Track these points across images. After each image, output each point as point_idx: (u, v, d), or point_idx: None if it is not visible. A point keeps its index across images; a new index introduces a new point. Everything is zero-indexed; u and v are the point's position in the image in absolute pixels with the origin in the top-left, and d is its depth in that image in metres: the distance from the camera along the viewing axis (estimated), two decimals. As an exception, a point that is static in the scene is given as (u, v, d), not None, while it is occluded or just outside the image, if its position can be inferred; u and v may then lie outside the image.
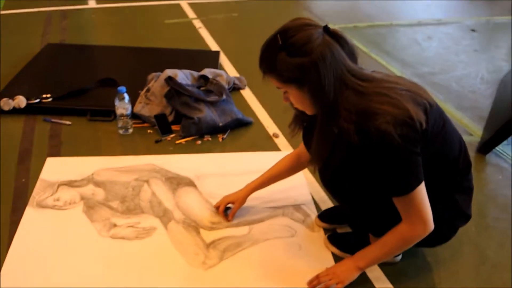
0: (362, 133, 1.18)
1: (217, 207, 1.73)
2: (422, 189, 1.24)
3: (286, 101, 1.33)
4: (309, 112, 1.30)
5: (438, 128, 1.28)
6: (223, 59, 3.03)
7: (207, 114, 2.17)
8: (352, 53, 1.24)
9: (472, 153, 2.25)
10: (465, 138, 2.27)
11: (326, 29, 1.20)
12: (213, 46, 3.31)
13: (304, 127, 1.49)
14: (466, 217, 1.45)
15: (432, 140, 1.26)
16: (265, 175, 1.70)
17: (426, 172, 1.24)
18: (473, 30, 3.98)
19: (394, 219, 1.32)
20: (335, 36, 1.20)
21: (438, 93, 2.83)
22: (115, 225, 1.65)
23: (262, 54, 1.25)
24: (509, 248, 1.69)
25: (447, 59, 3.37)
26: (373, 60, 3.25)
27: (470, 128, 2.49)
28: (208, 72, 2.52)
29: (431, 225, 1.28)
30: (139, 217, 1.70)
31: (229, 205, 1.72)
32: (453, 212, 1.41)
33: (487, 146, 2.28)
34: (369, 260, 1.42)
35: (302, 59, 1.17)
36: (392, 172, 1.22)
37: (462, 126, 2.50)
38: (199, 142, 2.16)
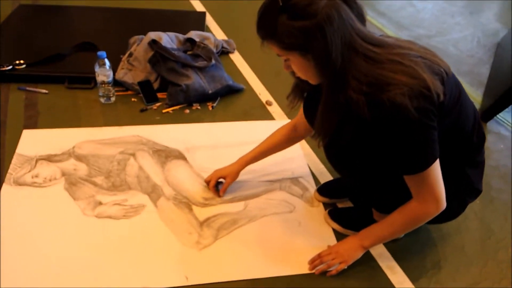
0: (373, 105, 1.07)
1: (207, 182, 1.62)
2: (436, 166, 1.15)
3: (288, 69, 1.19)
4: (313, 81, 1.17)
5: (454, 99, 1.17)
6: (209, 21, 2.85)
7: (195, 80, 2.02)
8: (360, 15, 1.11)
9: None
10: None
11: None
12: (198, 6, 3.11)
13: (306, 97, 1.37)
14: (477, 192, 1.37)
15: (448, 113, 1.15)
16: (259, 148, 1.59)
17: (439, 146, 1.14)
18: (467, -9, 3.84)
19: (402, 194, 1.23)
20: None
21: (435, 57, 2.72)
22: (100, 203, 1.53)
23: (260, 18, 1.10)
24: (514, 221, 1.64)
25: (443, 21, 3.25)
26: (367, 22, 3.10)
27: (470, 95, 2.39)
28: (194, 34, 2.35)
29: (444, 204, 1.20)
30: (126, 193, 1.58)
31: (221, 179, 1.61)
32: (464, 187, 1.32)
33: (487, 113, 2.20)
34: (375, 239, 1.34)
35: (306, 22, 1.03)
36: (407, 149, 1.11)
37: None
38: (187, 111, 2.02)
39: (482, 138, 1.31)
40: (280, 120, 2.02)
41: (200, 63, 2.09)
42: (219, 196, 1.59)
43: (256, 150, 1.59)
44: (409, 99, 1.04)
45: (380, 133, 1.11)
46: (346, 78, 1.08)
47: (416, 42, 1.21)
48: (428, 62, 1.12)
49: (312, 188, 1.67)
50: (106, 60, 1.95)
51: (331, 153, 1.31)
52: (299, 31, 1.04)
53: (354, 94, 1.08)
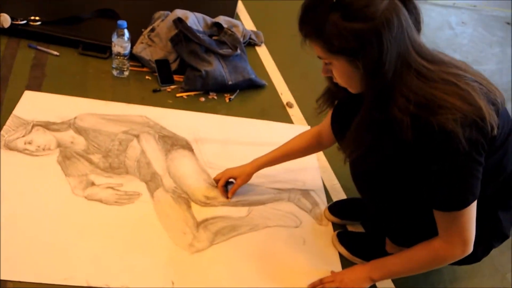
0: (420, 127, 0.93)
1: (216, 180, 1.48)
2: (473, 206, 1.01)
3: (326, 73, 1.05)
4: (354, 90, 1.03)
5: (505, 135, 1.04)
6: (240, 9, 2.70)
7: (216, 68, 1.88)
8: (418, 22, 0.97)
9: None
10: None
11: None
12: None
13: (337, 105, 1.23)
14: (504, 237, 1.24)
15: (496, 150, 1.02)
16: (277, 151, 1.45)
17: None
18: (508, 23, 3.68)
19: (424, 228, 1.11)
20: None
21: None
22: (93, 184, 1.40)
23: (306, 13, 0.96)
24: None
25: (481, 49, 3.09)
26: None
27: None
28: (223, 20, 2.21)
29: (471, 248, 1.07)
30: (123, 178, 1.45)
31: (231, 180, 1.47)
32: (493, 231, 1.20)
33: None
34: (387, 273, 1.21)
35: (362, 24, 0.89)
36: (447, 183, 0.98)
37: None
38: (202, 99, 1.89)
39: None
40: (298, 125, 1.88)
41: (225, 51, 1.95)
42: (227, 197, 1.45)
43: (273, 154, 1.45)
44: (461, 128, 0.90)
45: (420, 159, 0.97)
46: (393, 94, 0.95)
47: (470, 65, 1.07)
48: (484, 89, 0.98)
49: (323, 204, 1.53)
50: (126, 31, 1.81)
51: (358, 171, 1.17)
52: (353, 34, 0.90)
53: (399, 114, 0.94)
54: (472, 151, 0.93)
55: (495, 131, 0.95)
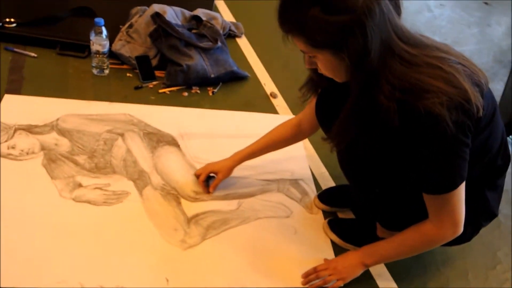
0: (406, 113, 0.94)
1: (197, 176, 1.48)
2: (462, 188, 1.03)
3: (310, 66, 1.05)
4: (339, 80, 1.04)
5: (489, 116, 1.05)
6: (219, 1, 2.68)
7: (197, 62, 1.87)
8: (398, 6, 0.97)
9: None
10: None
11: None
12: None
13: (320, 93, 1.23)
14: (492, 216, 1.26)
15: (481, 131, 1.04)
16: (258, 143, 1.45)
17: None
18: (486, 3, 3.71)
19: (414, 211, 1.12)
20: None
21: (450, 67, 2.60)
22: (80, 185, 1.38)
23: (285, 9, 0.95)
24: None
25: (460, 30, 3.12)
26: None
27: (483, 110, 2.28)
28: (201, 13, 2.18)
29: (461, 229, 1.09)
30: (110, 178, 1.43)
31: (212, 174, 1.47)
32: (481, 211, 1.22)
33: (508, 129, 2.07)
34: (379, 258, 1.22)
35: (344, 16, 0.88)
36: (435, 166, 0.99)
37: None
38: (185, 93, 1.87)
39: (507, 161, 1.20)
40: (283, 115, 1.88)
41: (205, 44, 1.93)
42: (208, 192, 1.45)
43: (254, 146, 1.45)
44: (448, 111, 0.91)
45: (408, 144, 0.98)
46: (378, 82, 0.95)
47: (452, 47, 1.07)
48: (468, 71, 0.99)
49: (312, 193, 1.54)
50: (103, 28, 1.78)
51: (346, 159, 1.18)
52: (335, 27, 0.90)
53: (385, 101, 0.95)
54: (459, 133, 0.94)
55: (481, 113, 0.96)
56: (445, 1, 3.54)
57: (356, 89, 0.99)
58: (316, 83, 1.20)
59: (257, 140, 1.45)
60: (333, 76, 1.04)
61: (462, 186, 1.02)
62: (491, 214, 1.24)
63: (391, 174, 1.09)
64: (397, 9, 0.96)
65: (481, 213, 1.22)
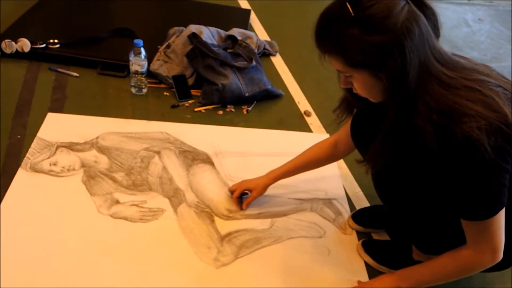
0: (443, 137, 0.92)
1: (231, 192, 1.49)
2: (502, 214, 0.99)
3: (346, 85, 1.05)
4: (375, 100, 1.03)
5: None
6: (253, 19, 2.72)
7: (232, 81, 1.90)
8: (436, 28, 0.96)
9: None
10: None
11: None
12: (243, 3, 2.98)
13: (356, 114, 1.22)
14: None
15: None
16: (293, 162, 1.45)
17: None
18: (527, 16, 3.62)
19: (451, 236, 1.09)
20: (422, 5, 0.92)
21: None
22: (117, 202, 1.42)
23: (323, 27, 0.95)
24: None
25: (499, 46, 3.04)
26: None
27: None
28: (236, 32, 2.23)
29: (501, 255, 1.05)
30: (146, 195, 1.47)
31: (246, 191, 1.48)
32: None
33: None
34: (415, 283, 1.19)
35: (383, 37, 0.88)
36: (473, 192, 0.96)
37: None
38: (220, 112, 1.90)
39: None
40: (317, 134, 1.88)
41: (240, 63, 1.97)
42: (241, 209, 1.46)
43: (289, 165, 1.45)
44: (486, 136, 0.89)
45: (445, 169, 0.96)
46: (415, 104, 0.94)
47: (493, 68, 1.05)
48: (509, 94, 0.96)
49: (346, 213, 1.53)
50: (142, 49, 1.84)
51: (382, 182, 1.17)
52: (374, 47, 0.90)
53: (422, 123, 0.93)
54: (498, 159, 0.92)
55: None
56: (483, 16, 3.47)
57: (393, 111, 0.98)
58: (351, 103, 1.19)
59: (292, 159, 1.46)
60: (369, 96, 1.04)
61: (502, 213, 0.99)
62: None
63: (427, 199, 1.07)
64: (436, 30, 0.96)
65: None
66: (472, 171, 0.93)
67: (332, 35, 0.94)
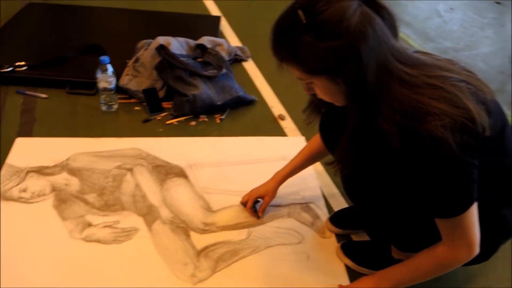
0: (408, 137, 0.91)
1: (244, 203, 1.49)
2: (474, 209, 0.98)
3: (308, 92, 1.03)
4: (339, 104, 1.02)
5: (499, 133, 1.01)
6: (224, 26, 2.71)
7: (203, 91, 1.88)
8: (393, 27, 0.94)
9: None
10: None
11: None
12: (213, 10, 2.97)
13: (323, 114, 1.21)
14: (511, 234, 1.19)
15: (492, 148, 0.99)
16: (296, 160, 1.46)
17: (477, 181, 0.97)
18: (498, 3, 3.63)
19: (426, 233, 1.08)
20: (375, 5, 0.90)
21: (464, 73, 2.54)
22: (89, 225, 1.39)
23: (278, 36, 0.94)
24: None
25: (472, 33, 3.06)
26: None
27: (501, 115, 2.21)
28: (206, 40, 2.21)
29: (477, 250, 1.03)
30: (119, 214, 1.44)
31: (258, 199, 1.48)
32: (499, 229, 1.16)
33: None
34: (395, 283, 1.17)
35: (338, 42, 0.86)
36: (442, 190, 0.95)
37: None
38: (193, 123, 1.88)
39: None
40: (292, 137, 1.86)
41: (210, 72, 1.95)
42: (258, 217, 1.46)
43: (293, 163, 1.46)
44: (451, 133, 0.87)
45: (413, 170, 0.95)
46: (377, 105, 0.93)
47: (456, 62, 1.04)
48: (472, 88, 0.95)
49: (324, 215, 1.51)
50: (109, 66, 1.82)
51: (351, 184, 1.15)
52: (329, 53, 0.88)
53: (386, 125, 0.92)
54: (464, 155, 0.91)
55: (487, 132, 0.92)
56: (455, 5, 3.49)
57: (355, 114, 0.97)
58: (318, 105, 1.18)
59: (295, 157, 1.46)
60: (332, 101, 1.02)
61: (473, 208, 0.97)
62: (509, 230, 1.18)
63: (398, 199, 1.06)
64: (393, 30, 0.94)
65: (498, 231, 1.16)
66: (439, 169, 0.92)
67: (286, 43, 0.93)
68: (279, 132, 1.89)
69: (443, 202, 0.97)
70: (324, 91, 0.99)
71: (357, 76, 0.89)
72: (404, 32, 2.96)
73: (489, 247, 1.17)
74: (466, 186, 0.95)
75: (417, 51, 1.04)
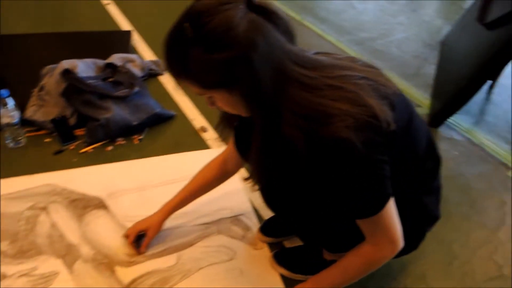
0: (314, 142, 0.88)
1: (126, 237, 1.40)
2: (391, 205, 0.98)
3: (212, 106, 0.99)
4: (245, 114, 0.98)
5: (405, 125, 1.01)
6: (137, 40, 2.61)
7: (116, 112, 1.79)
8: (288, 31, 0.91)
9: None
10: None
11: (249, 3, 0.85)
12: (125, 24, 2.86)
13: (236, 128, 1.17)
14: (434, 219, 1.22)
15: (399, 141, 0.99)
16: (185, 190, 1.38)
17: (391, 175, 0.97)
18: (407, -12, 3.78)
19: (353, 232, 1.06)
20: (264, 12, 0.86)
21: (380, 61, 2.60)
22: (4, 277, 1.28)
23: (168, 53, 0.89)
24: (475, 239, 1.51)
25: (385, 21, 3.14)
26: (307, 29, 2.95)
27: (418, 99, 2.28)
28: (117, 58, 2.11)
29: (401, 244, 1.03)
30: (36, 260, 1.33)
31: (143, 233, 1.39)
32: (421, 217, 1.17)
33: (437, 119, 2.07)
34: (329, 285, 1.16)
35: (227, 53, 0.83)
36: (355, 191, 0.94)
37: (409, 97, 2.28)
38: (110, 148, 1.78)
39: (437, 162, 1.17)
40: (216, 149, 1.81)
41: (121, 92, 1.86)
42: (140, 252, 1.36)
43: (182, 194, 1.38)
44: (355, 133, 0.86)
45: (323, 175, 0.93)
46: (280, 112, 0.90)
47: (357, 59, 1.03)
48: (374, 84, 0.94)
49: (255, 226, 1.47)
50: (9, 99, 1.68)
51: (269, 196, 1.12)
52: (221, 66, 0.84)
53: (290, 130, 0.90)
54: (372, 153, 0.90)
55: (392, 126, 0.91)
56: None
57: (259, 123, 0.94)
58: (229, 119, 1.14)
59: (184, 186, 1.39)
60: (237, 112, 0.99)
61: (390, 204, 0.97)
62: (432, 217, 1.20)
63: (315, 206, 1.04)
64: (288, 34, 0.91)
65: (422, 220, 1.18)
66: (349, 171, 0.90)
67: (177, 59, 0.88)
68: (202, 145, 1.84)
69: (358, 203, 0.96)
70: (225, 103, 0.95)
71: (253, 85, 0.86)
72: (320, 28, 2.99)
73: (416, 236, 1.20)
74: (378, 183, 0.94)
75: (318, 52, 1.03)
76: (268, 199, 1.13)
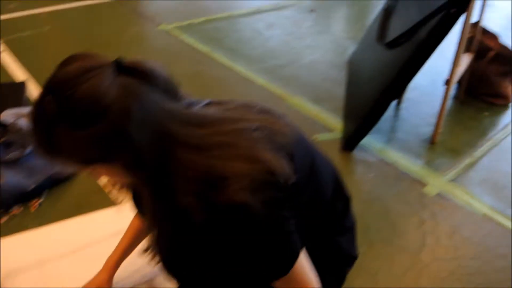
0: (210, 209, 0.80)
1: None
2: (302, 258, 0.92)
3: (98, 177, 0.89)
4: (134, 183, 0.89)
5: (308, 172, 0.97)
6: (34, 90, 2.42)
7: (7, 179, 1.61)
8: (169, 89, 0.83)
9: (336, 153, 2.05)
10: (326, 135, 2.01)
11: (118, 65, 0.76)
12: (21, 74, 2.66)
13: (133, 191, 1.08)
14: (353, 259, 1.19)
15: (302, 191, 0.94)
16: (124, 240, 1.28)
17: (298, 224, 0.91)
18: (312, 11, 3.87)
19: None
20: (137, 73, 0.77)
21: (291, 87, 2.61)
22: None
23: (34, 131, 0.77)
24: (399, 265, 1.51)
25: (293, 46, 3.18)
26: (216, 62, 2.91)
27: (330, 123, 2.29)
28: (9, 115, 1.92)
29: None
30: None
31: None
32: (338, 258, 1.14)
33: (351, 142, 2.09)
34: None
35: (98, 127, 0.73)
36: (263, 255, 0.87)
37: (320, 123, 2.29)
38: (3, 219, 1.60)
39: (346, 201, 1.14)
40: (123, 204, 1.68)
41: (12, 155, 1.69)
42: None
43: (122, 245, 1.28)
44: (253, 194, 0.79)
45: (225, 242, 0.85)
46: (169, 178, 0.81)
47: (253, 104, 0.97)
48: (268, 134, 0.88)
49: None
50: None
51: (171, 267, 1.02)
52: (94, 141, 0.74)
53: (183, 198, 0.81)
54: (273, 212, 0.83)
55: (292, 179, 0.85)
56: (273, 21, 3.62)
57: (147, 194, 0.85)
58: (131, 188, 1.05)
59: (123, 237, 1.28)
60: (126, 181, 0.89)
61: (301, 256, 0.91)
62: (350, 257, 1.17)
63: (224, 274, 0.96)
64: (170, 92, 0.83)
65: (339, 261, 1.14)
66: (252, 237, 0.84)
67: (41, 140, 0.77)
68: (108, 202, 1.70)
69: (268, 266, 0.89)
70: (111, 175, 0.87)
71: (133, 156, 0.77)
72: (229, 58, 2.96)
73: (335, 279, 1.15)
74: (285, 242, 0.88)
75: (209, 103, 0.95)
76: (172, 270, 1.03)
